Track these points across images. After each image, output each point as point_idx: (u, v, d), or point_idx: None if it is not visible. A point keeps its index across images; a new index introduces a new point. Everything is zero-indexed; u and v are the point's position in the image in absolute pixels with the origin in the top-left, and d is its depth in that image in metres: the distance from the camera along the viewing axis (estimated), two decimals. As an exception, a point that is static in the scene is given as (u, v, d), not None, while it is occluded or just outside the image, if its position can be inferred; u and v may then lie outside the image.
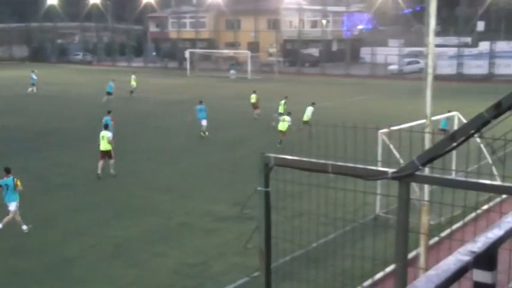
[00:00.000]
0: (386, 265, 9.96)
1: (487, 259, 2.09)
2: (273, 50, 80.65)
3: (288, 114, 28.45)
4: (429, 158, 3.56)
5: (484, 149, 13.96)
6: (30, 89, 50.34)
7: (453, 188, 3.77)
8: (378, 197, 15.63)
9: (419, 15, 59.76)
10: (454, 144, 3.38)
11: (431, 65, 11.52)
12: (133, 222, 17.09)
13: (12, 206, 15.98)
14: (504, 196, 3.92)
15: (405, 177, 3.69)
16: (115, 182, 21.29)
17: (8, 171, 16.34)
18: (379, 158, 15.11)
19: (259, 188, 4.58)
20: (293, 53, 79.05)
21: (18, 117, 36.52)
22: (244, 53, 73.22)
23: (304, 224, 5.79)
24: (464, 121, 5.42)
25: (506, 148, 3.68)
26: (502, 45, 63.32)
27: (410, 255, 9.38)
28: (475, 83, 56.91)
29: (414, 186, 10.77)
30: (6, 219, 16.08)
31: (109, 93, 43.17)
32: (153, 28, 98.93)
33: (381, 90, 52.08)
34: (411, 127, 12.65)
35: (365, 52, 77.15)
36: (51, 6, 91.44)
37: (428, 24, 11.24)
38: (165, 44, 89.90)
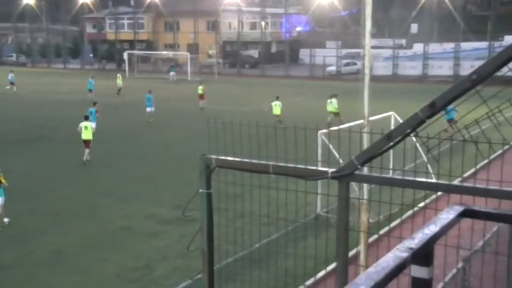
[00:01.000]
0: (328, 263, 10.09)
1: (424, 255, 2.15)
2: (212, 51, 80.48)
3: (277, 98, 33.55)
4: (367, 157, 3.64)
5: (419, 148, 14.39)
6: None
7: (391, 186, 3.87)
8: (319, 197, 15.84)
9: (356, 17, 60.94)
10: (391, 143, 3.47)
11: (368, 66, 11.79)
12: (73, 227, 16.71)
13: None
14: (439, 193, 4.04)
15: (345, 176, 3.76)
16: (52, 186, 20.76)
17: None
18: (319, 158, 15.31)
19: (201, 190, 4.56)
20: (233, 54, 79.11)
21: None
22: (183, 54, 72.75)
23: (247, 225, 5.80)
24: (400, 121, 5.57)
25: (440, 147, 3.80)
26: (434, 47, 65.37)
27: (351, 253, 9.55)
28: (410, 83, 58.43)
29: (353, 185, 10.98)
30: None
31: (90, 90, 45.79)
32: (89, 29, 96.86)
33: (319, 91, 52.74)
34: (350, 127, 12.88)
35: (304, 54, 78.07)
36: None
37: (364, 26, 11.49)
38: (103, 46, 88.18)
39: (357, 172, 3.72)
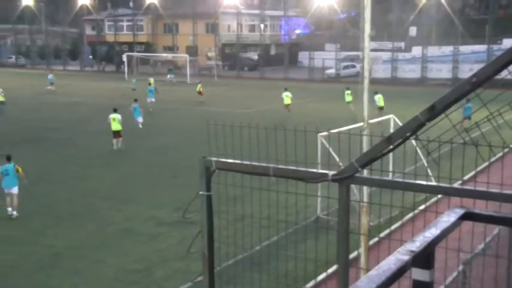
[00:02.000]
0: (329, 266, 10.13)
1: (425, 258, 2.16)
2: (211, 53, 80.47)
3: (285, 89, 37.25)
4: (368, 160, 3.65)
5: (419, 151, 14.38)
6: None
7: (391, 189, 3.87)
8: (319, 199, 15.83)
9: (355, 20, 61.00)
10: (391, 146, 3.47)
11: (367, 69, 11.81)
12: (73, 229, 16.69)
13: (15, 190, 17.47)
14: (439, 196, 4.05)
15: (345, 179, 3.76)
16: (52, 188, 20.75)
17: (9, 158, 17.95)
18: (319, 160, 15.32)
19: (201, 193, 4.57)
20: (232, 56, 79.12)
21: None
22: (182, 56, 72.75)
23: (247, 228, 5.81)
24: (400, 124, 5.58)
25: (440, 150, 3.81)
26: (433, 50, 65.42)
27: (351, 255, 9.58)
28: (409, 86, 58.41)
29: (354, 188, 10.98)
30: (15, 203, 17.42)
31: (51, 84, 52.35)
32: (89, 31, 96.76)
33: (318, 93, 52.79)
34: (349, 130, 12.90)
35: (303, 56, 78.06)
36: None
37: (363, 29, 11.51)
38: (102, 48, 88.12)
39: (357, 175, 3.73)
